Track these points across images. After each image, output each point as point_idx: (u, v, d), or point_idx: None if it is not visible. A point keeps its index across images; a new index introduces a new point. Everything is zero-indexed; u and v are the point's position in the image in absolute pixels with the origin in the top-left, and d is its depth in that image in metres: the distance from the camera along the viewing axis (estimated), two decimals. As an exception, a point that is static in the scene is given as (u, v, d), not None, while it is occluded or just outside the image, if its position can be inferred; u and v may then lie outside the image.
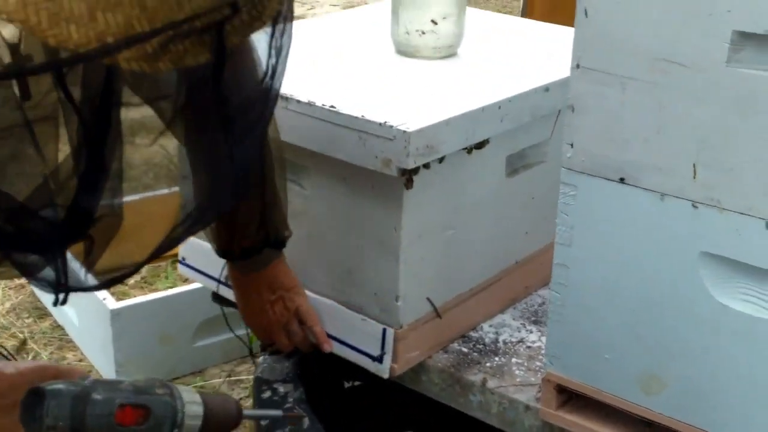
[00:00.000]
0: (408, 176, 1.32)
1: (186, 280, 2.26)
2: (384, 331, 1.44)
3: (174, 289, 2.28)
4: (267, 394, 1.53)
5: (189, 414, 1.11)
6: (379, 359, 1.46)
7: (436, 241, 1.44)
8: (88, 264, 1.21)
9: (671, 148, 1.13)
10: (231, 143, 1.11)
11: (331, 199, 1.45)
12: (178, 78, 1.05)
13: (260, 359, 1.64)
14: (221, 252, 1.47)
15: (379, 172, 1.32)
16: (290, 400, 1.53)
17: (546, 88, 1.50)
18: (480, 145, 1.42)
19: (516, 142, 1.52)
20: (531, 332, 1.60)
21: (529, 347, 1.56)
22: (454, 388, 1.49)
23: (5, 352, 1.85)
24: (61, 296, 1.17)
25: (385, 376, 1.46)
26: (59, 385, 1.05)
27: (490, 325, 1.62)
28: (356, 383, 1.95)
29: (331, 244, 1.48)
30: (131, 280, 2.54)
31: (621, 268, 1.22)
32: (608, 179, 1.20)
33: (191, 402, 1.12)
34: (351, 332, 1.49)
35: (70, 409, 1.03)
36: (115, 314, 2.12)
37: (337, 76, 1.53)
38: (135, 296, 2.33)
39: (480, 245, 1.54)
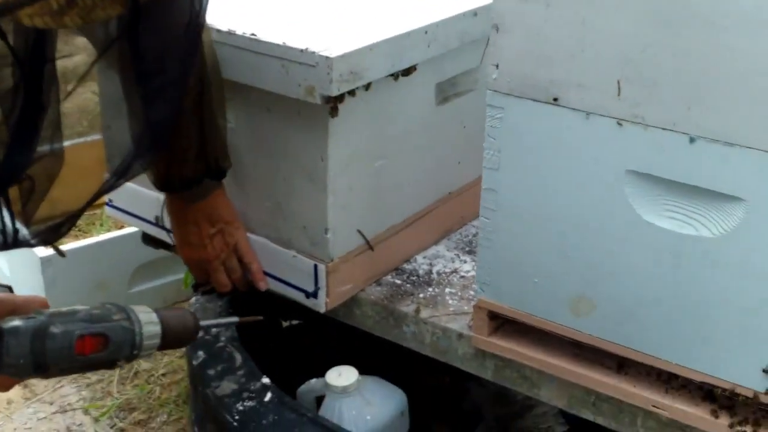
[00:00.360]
0: (333, 104, 1.29)
1: (122, 227, 2.22)
2: (315, 267, 1.42)
3: (106, 234, 2.23)
4: (199, 334, 1.50)
5: (147, 334, 1.12)
6: (314, 294, 1.44)
7: (365, 171, 1.41)
8: (26, 214, 1.16)
9: (595, 64, 1.11)
10: (148, 96, 1.07)
11: (257, 131, 1.41)
12: (90, 32, 1.01)
13: (192, 299, 1.62)
14: (160, 183, 1.42)
15: (303, 100, 1.29)
16: (222, 339, 1.51)
17: (474, 13, 1.47)
18: (407, 72, 1.40)
19: (445, 69, 1.49)
20: (465, 262, 1.59)
21: (462, 277, 1.55)
22: (387, 321, 1.48)
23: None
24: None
25: (321, 310, 1.45)
26: (16, 322, 1.04)
27: (424, 257, 1.61)
28: (294, 322, 1.94)
29: (259, 178, 1.45)
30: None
31: (549, 191, 1.21)
32: (534, 100, 1.18)
33: (148, 322, 1.13)
34: (284, 269, 1.47)
35: (30, 345, 1.03)
36: (46, 262, 2.07)
37: (258, 3, 1.48)
38: (67, 244, 2.27)
39: (412, 176, 1.52)
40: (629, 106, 1.11)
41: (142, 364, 2.02)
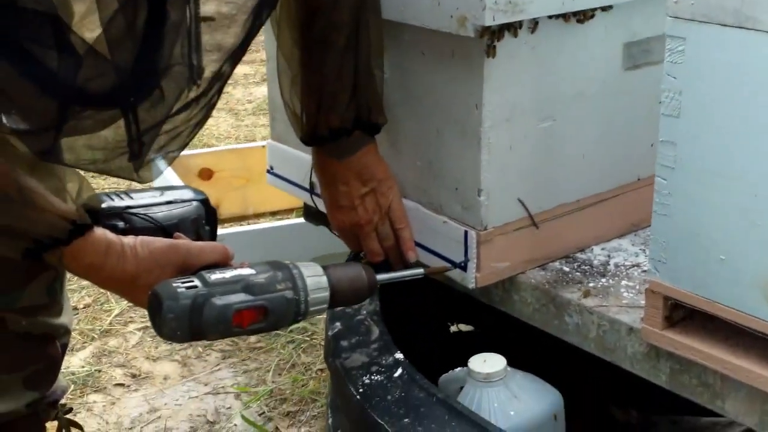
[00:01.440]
0: (489, 40, 1.14)
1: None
2: (465, 234, 1.26)
3: (279, 221, 2.19)
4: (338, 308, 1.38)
5: (313, 301, 1.09)
6: (463, 266, 1.28)
7: (528, 130, 1.25)
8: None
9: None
10: None
11: (410, 79, 1.29)
12: None
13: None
14: (307, 136, 1.33)
15: (456, 35, 1.15)
16: (363, 312, 1.38)
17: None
18: (582, 17, 1.22)
19: (633, 26, 1.30)
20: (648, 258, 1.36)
21: (645, 271, 1.33)
22: (548, 308, 1.29)
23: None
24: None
25: (471, 286, 1.28)
26: (177, 289, 1.02)
27: (603, 248, 1.40)
28: (464, 328, 1.79)
29: (410, 134, 1.32)
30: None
31: (741, 142, 0.99)
32: (723, 25, 0.97)
33: (316, 288, 1.09)
34: (434, 237, 1.32)
35: (188, 318, 1.02)
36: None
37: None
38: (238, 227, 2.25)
39: (588, 148, 1.33)
40: None
41: (302, 357, 1.93)
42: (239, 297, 1.04)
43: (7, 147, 0.99)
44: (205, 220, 1.26)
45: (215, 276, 1.05)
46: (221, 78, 1.02)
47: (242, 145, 2.80)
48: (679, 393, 1.17)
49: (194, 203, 1.25)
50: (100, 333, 2.05)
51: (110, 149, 1.01)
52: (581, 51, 1.26)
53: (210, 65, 1.02)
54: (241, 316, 1.04)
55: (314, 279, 1.10)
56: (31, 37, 0.88)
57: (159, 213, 1.19)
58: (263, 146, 2.61)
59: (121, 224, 1.15)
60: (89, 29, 0.91)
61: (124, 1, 0.93)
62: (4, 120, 0.95)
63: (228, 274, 1.05)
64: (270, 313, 1.05)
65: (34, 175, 1.01)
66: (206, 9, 0.99)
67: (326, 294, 1.10)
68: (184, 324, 1.02)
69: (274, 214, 2.60)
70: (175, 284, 1.03)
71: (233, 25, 1.01)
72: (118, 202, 1.17)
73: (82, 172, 1.08)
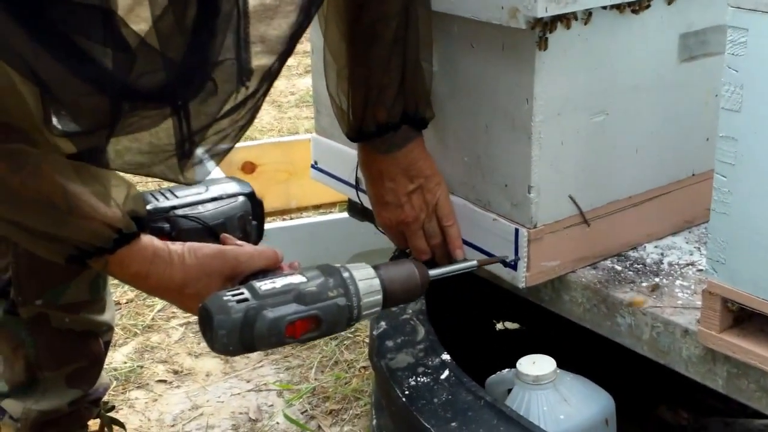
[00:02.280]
0: (541, 32, 1.11)
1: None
2: (516, 231, 1.23)
3: (324, 216, 2.16)
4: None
5: (366, 305, 1.07)
6: (513, 265, 1.24)
7: (580, 124, 1.21)
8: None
9: None
10: None
11: (459, 72, 1.26)
12: None
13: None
14: (353, 132, 1.31)
15: (507, 26, 1.11)
16: (409, 311, 1.35)
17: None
18: (637, 7, 1.18)
19: (691, 16, 1.26)
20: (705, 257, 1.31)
21: (700, 270, 1.28)
22: (599, 309, 1.25)
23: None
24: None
25: (521, 285, 1.24)
26: (228, 303, 1.00)
27: (656, 246, 1.36)
28: (510, 326, 1.75)
29: (459, 129, 1.29)
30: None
31: (807, 138, 0.94)
32: (790, 14, 0.92)
33: (368, 292, 1.07)
34: (482, 235, 1.29)
35: (239, 333, 0.99)
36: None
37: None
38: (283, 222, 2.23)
39: (641, 143, 1.29)
40: None
41: (345, 354, 1.91)
42: (291, 308, 1.01)
43: (52, 153, 0.97)
44: (251, 215, 1.24)
45: (266, 286, 1.02)
46: (270, 77, 1.00)
47: (285, 138, 2.78)
48: (736, 398, 1.13)
49: (240, 198, 1.22)
50: (143, 328, 2.04)
51: (157, 151, 0.99)
52: (636, 42, 1.22)
53: (259, 64, 0.99)
54: (293, 327, 1.01)
55: (366, 282, 1.07)
56: (82, 32, 0.86)
57: (205, 212, 1.16)
58: (306, 139, 2.61)
59: (166, 226, 1.13)
60: (135, 22, 0.89)
61: None
62: (54, 122, 0.93)
63: (278, 283, 1.02)
64: (323, 322, 1.03)
65: (79, 181, 0.99)
66: (254, 4, 0.96)
67: (379, 297, 1.08)
68: (236, 338, 0.99)
69: (317, 207, 2.58)
70: (225, 297, 1.00)
71: (282, 22, 0.98)
72: (162, 202, 1.14)
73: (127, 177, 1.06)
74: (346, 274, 1.05)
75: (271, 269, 1.09)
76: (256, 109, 1.01)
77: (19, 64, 0.85)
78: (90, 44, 0.85)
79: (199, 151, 1.03)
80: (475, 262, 1.23)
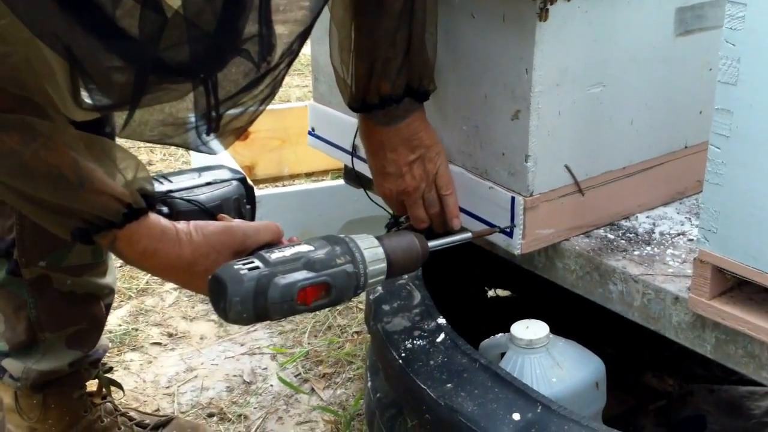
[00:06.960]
0: (542, 2, 1.12)
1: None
2: (512, 200, 1.25)
3: (318, 183, 2.17)
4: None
5: (372, 273, 1.09)
6: (509, 232, 1.27)
7: (578, 95, 1.23)
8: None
9: None
10: None
11: (459, 43, 1.27)
12: None
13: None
14: (356, 103, 1.32)
15: (508, -3, 1.13)
16: (405, 276, 1.37)
17: None
18: (637, -20, 1.20)
19: (689, -10, 1.28)
20: (697, 227, 1.34)
21: (691, 240, 1.31)
22: (592, 276, 1.28)
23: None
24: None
25: (516, 252, 1.27)
26: (240, 272, 1.01)
27: (647, 216, 1.38)
28: (502, 293, 1.78)
29: (457, 98, 1.30)
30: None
31: (800, 111, 0.97)
32: (788, -10, 0.95)
33: (373, 260, 1.09)
34: (479, 203, 1.31)
35: (253, 301, 1.01)
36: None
37: None
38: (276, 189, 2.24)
39: (636, 114, 1.31)
40: None
41: (337, 319, 1.93)
42: (302, 274, 1.03)
43: (65, 127, 0.98)
44: (245, 199, 1.25)
45: (275, 255, 1.03)
46: (292, 53, 1.01)
47: (278, 106, 2.79)
48: (723, 363, 1.16)
49: (234, 183, 1.24)
50: (137, 292, 2.06)
51: (180, 123, 0.99)
52: (634, 16, 1.23)
53: (281, 39, 1.00)
54: (305, 293, 1.03)
55: (371, 251, 1.09)
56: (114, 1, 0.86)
57: (201, 195, 1.18)
58: (299, 107, 2.62)
59: (165, 209, 1.13)
60: None
61: None
62: (83, 96, 0.93)
63: (287, 252, 1.04)
64: (332, 289, 1.05)
65: (90, 157, 1.00)
66: None
67: (383, 265, 1.10)
68: (249, 306, 1.00)
69: (309, 175, 2.60)
70: (236, 266, 1.01)
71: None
72: (158, 187, 1.15)
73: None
74: (351, 244, 1.07)
75: (275, 242, 1.10)
76: (278, 83, 1.02)
77: (53, 39, 0.85)
78: (121, 12, 0.85)
79: (222, 125, 1.04)
80: (469, 234, 1.26)
